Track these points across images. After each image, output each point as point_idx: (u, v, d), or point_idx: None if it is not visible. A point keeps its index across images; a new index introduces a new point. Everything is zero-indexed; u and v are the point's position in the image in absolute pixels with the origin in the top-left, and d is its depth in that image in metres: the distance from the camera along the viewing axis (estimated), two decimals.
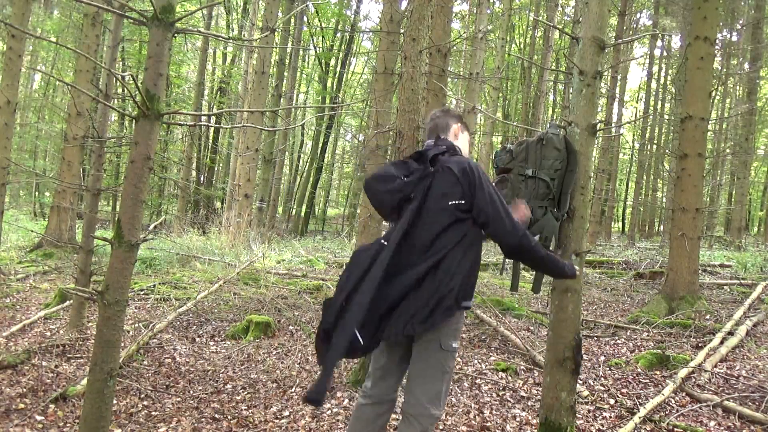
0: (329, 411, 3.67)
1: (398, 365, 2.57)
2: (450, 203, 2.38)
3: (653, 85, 25.18)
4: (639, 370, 4.72)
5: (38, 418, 3.38)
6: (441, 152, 2.52)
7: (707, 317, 6.50)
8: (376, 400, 2.55)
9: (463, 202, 2.38)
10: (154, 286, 7.06)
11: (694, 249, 6.91)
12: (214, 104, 21.91)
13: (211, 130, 22.26)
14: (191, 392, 3.97)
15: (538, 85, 19.58)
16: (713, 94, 14.34)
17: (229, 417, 3.56)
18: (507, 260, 3.02)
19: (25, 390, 3.74)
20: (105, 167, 6.42)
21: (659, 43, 23.54)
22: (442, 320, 2.32)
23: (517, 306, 6.66)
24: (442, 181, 2.43)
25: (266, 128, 4.28)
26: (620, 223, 33.56)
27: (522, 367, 4.68)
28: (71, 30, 16.59)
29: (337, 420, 3.53)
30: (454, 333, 2.47)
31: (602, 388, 4.29)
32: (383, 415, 2.56)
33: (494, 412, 3.76)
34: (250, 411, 3.66)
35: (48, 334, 5.11)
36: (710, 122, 7.84)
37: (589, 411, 3.83)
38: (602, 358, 5.11)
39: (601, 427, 3.58)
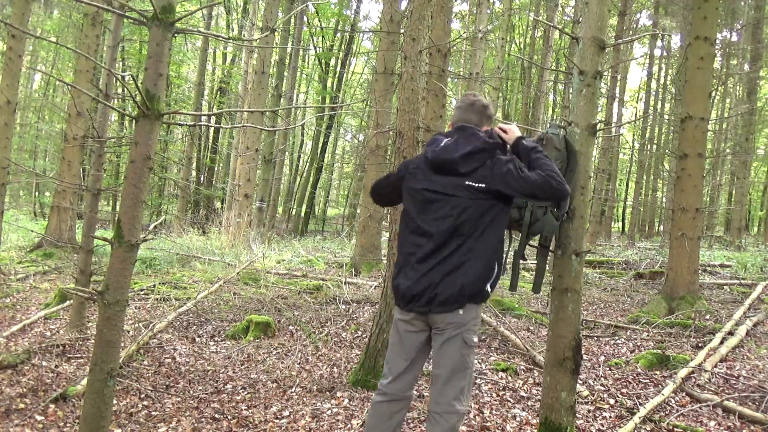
0: (329, 411, 3.67)
1: (414, 362, 2.61)
2: None
3: (653, 85, 25.18)
4: (639, 370, 4.72)
5: (38, 418, 3.38)
6: None
7: (707, 317, 6.50)
8: (391, 398, 2.60)
9: None
10: (154, 286, 7.06)
11: (694, 249, 6.91)
12: (214, 104, 21.90)
13: (211, 130, 22.25)
14: (191, 392, 3.97)
15: (538, 85, 19.57)
16: (713, 94, 14.34)
17: (229, 417, 3.56)
18: (507, 260, 3.02)
19: (25, 390, 3.74)
20: (105, 167, 6.42)
21: (659, 43, 23.55)
22: None
23: (517, 306, 6.66)
24: None
25: (266, 128, 4.28)
26: (620, 223, 33.55)
27: (522, 367, 4.68)
28: (71, 30, 16.59)
29: (337, 420, 3.53)
30: (474, 327, 2.52)
31: (602, 388, 4.29)
32: (398, 413, 2.61)
33: (494, 412, 3.76)
34: (250, 411, 3.66)
35: (48, 334, 5.11)
36: (710, 122, 7.83)
37: (589, 411, 3.83)
38: (602, 358, 5.11)
39: (601, 427, 3.58)
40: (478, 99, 2.69)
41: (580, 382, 4.29)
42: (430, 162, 2.56)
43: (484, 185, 2.46)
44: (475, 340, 2.52)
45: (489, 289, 2.52)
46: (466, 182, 2.48)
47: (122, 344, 4.42)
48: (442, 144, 2.56)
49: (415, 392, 3.98)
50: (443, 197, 2.51)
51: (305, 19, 20.00)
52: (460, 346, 2.46)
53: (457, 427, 2.47)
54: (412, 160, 2.75)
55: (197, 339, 5.29)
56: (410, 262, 2.55)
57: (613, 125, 16.83)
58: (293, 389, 4.07)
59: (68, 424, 3.35)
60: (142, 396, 3.83)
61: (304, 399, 3.88)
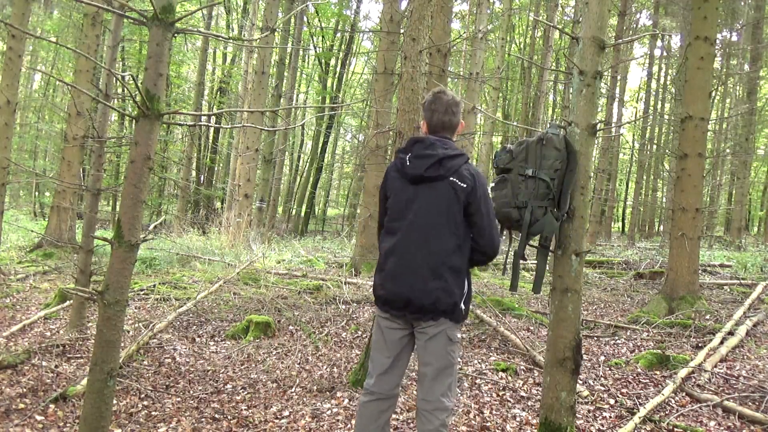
0: (329, 411, 3.67)
1: (398, 359, 2.63)
2: None
3: (653, 85, 25.18)
4: (639, 370, 4.72)
5: (38, 418, 3.38)
6: None
7: (707, 317, 6.50)
8: (378, 397, 2.61)
9: None
10: (154, 286, 7.06)
11: (694, 249, 6.91)
12: (214, 104, 21.91)
13: (211, 130, 22.26)
14: (191, 392, 3.97)
15: (538, 85, 19.58)
16: (713, 94, 14.34)
17: (229, 417, 3.56)
18: (508, 260, 3.02)
19: (25, 390, 3.74)
20: (105, 167, 6.42)
21: (659, 43, 23.54)
22: None
23: (517, 306, 6.66)
24: None
25: (266, 128, 4.28)
26: (620, 223, 33.56)
27: (522, 367, 4.68)
28: (71, 30, 16.59)
29: (337, 420, 3.53)
30: (458, 324, 2.55)
31: (602, 388, 4.29)
32: (386, 412, 2.63)
33: (494, 412, 3.76)
34: (250, 411, 3.66)
35: (48, 334, 5.11)
36: (710, 122, 7.83)
37: (589, 411, 3.83)
38: (602, 358, 5.11)
39: (601, 427, 3.58)
40: (450, 97, 2.63)
41: (580, 382, 4.29)
42: (408, 176, 2.55)
43: (466, 185, 2.47)
44: (459, 335, 2.56)
45: (463, 307, 2.52)
46: (451, 178, 2.48)
47: (122, 344, 4.43)
48: (408, 162, 2.55)
49: (415, 392, 3.99)
50: (422, 203, 2.51)
51: (305, 19, 20.01)
52: (444, 343, 2.49)
53: (447, 422, 2.49)
54: (391, 168, 2.71)
55: (197, 339, 5.29)
56: (388, 265, 2.55)
57: (613, 125, 16.84)
58: (293, 389, 4.07)
59: (68, 424, 3.35)
60: (142, 396, 3.83)
61: (304, 399, 3.88)
